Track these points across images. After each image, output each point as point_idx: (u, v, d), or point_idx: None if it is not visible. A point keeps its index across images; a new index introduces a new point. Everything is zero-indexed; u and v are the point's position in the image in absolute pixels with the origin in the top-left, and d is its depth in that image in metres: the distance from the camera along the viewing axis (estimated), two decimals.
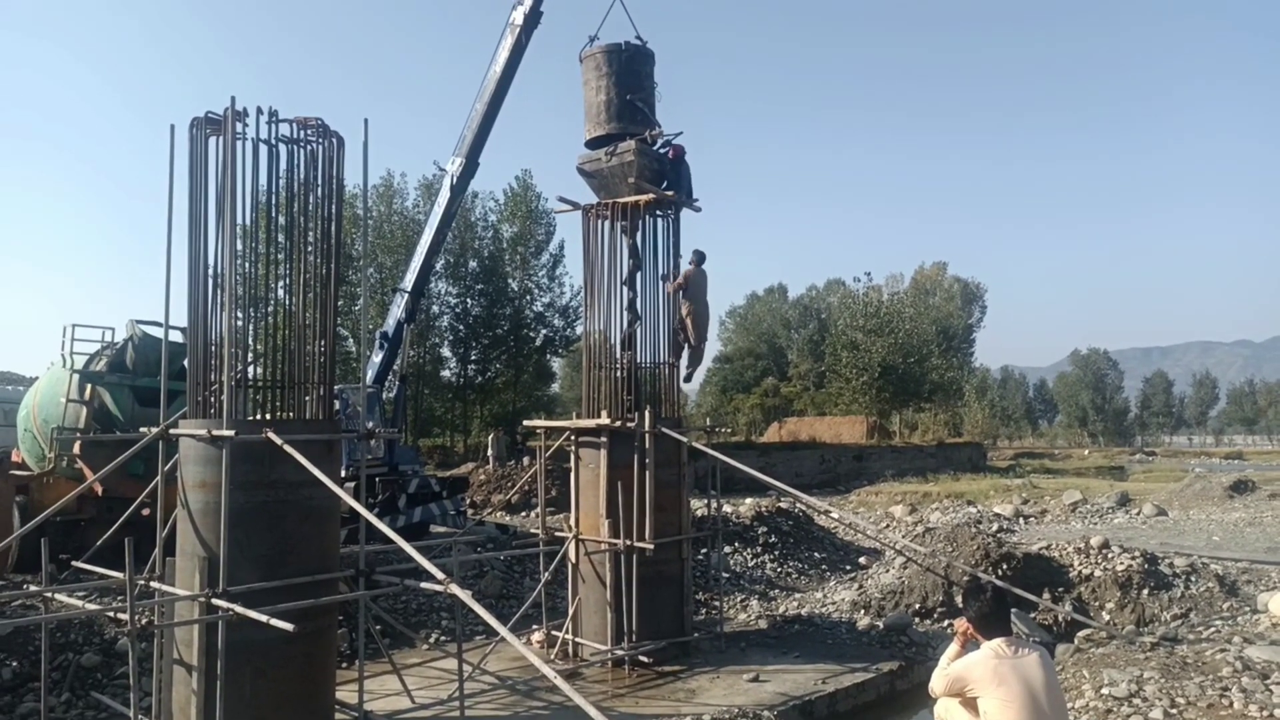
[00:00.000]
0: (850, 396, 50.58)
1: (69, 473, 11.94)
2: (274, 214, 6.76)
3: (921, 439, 47.00)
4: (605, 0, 11.01)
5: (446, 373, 43.21)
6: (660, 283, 9.90)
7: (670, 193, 9.90)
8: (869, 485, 31.47)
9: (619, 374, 9.65)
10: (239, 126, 6.44)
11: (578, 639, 9.30)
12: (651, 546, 8.82)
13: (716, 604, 10.75)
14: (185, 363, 7.13)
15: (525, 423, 18.06)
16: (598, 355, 9.71)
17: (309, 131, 6.75)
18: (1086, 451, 62.86)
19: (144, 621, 5.92)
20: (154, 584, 6.60)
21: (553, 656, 9.22)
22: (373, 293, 33.19)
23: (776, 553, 15.09)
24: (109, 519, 9.41)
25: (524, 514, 21.65)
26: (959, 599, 10.14)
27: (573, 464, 9.67)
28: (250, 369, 6.85)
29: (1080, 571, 11.10)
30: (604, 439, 9.23)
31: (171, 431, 6.60)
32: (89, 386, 12.33)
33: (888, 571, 12.40)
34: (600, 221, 9.73)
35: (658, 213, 9.87)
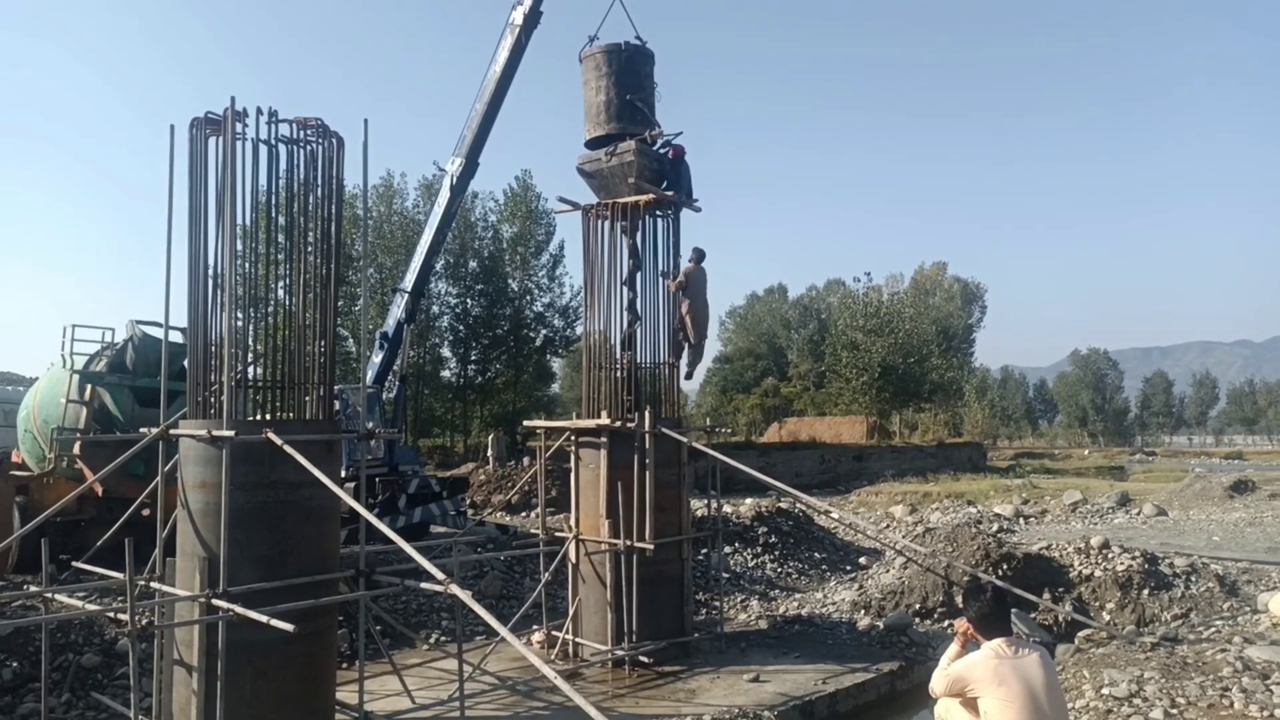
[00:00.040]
0: (850, 396, 50.59)
1: (69, 473, 11.94)
2: (274, 214, 6.76)
3: (921, 439, 47.01)
4: (605, 0, 11.02)
5: (446, 373, 43.24)
6: (660, 283, 9.90)
7: (670, 193, 9.91)
8: (869, 485, 31.46)
9: (619, 374, 9.65)
10: (239, 127, 6.43)
11: (578, 639, 9.30)
12: (652, 547, 8.82)
13: (717, 604, 10.75)
14: (185, 363, 7.13)
15: (525, 423, 18.06)
16: (598, 355, 9.71)
17: (309, 132, 6.75)
18: (1086, 451, 62.84)
19: (144, 622, 5.92)
20: (154, 584, 6.60)
21: (553, 657, 9.22)
22: (373, 293, 33.20)
23: (777, 553, 15.09)
24: (109, 519, 9.42)
25: (524, 514, 21.65)
26: (959, 599, 10.14)
27: (573, 464, 9.67)
28: (250, 369, 6.85)
29: (1080, 571, 11.10)
30: (604, 439, 9.23)
31: (171, 432, 6.60)
32: (89, 387, 12.33)
33: (888, 572, 12.40)
34: (600, 222, 9.73)
35: (658, 213, 9.87)
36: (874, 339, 49.23)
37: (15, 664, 7.97)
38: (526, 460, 27.42)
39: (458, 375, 43.37)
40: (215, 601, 5.92)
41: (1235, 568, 12.24)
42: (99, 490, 10.76)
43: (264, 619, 5.53)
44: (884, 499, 26.99)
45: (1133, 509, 21.78)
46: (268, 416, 6.65)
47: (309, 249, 6.82)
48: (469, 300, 42.17)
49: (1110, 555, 11.29)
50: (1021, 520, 20.91)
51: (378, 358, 17.48)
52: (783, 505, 17.12)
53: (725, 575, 12.77)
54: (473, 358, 42.95)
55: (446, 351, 42.99)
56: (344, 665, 8.10)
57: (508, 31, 15.01)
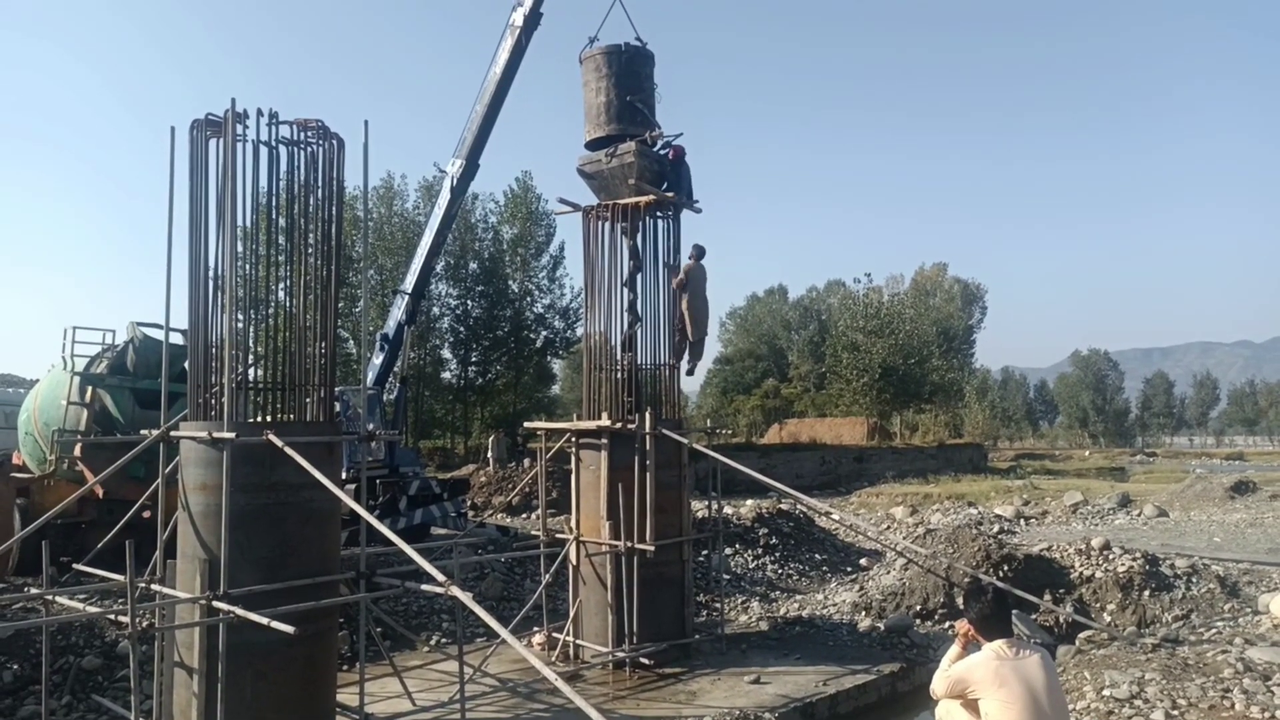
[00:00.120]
0: (851, 398, 50.61)
1: (70, 475, 11.94)
2: (274, 216, 6.77)
3: (922, 440, 47.00)
4: (605, 1, 11.02)
5: (447, 374, 43.25)
6: (661, 282, 9.89)
7: (670, 194, 9.91)
8: (869, 487, 31.45)
9: (619, 375, 9.64)
10: (239, 128, 6.43)
11: (578, 641, 9.29)
12: (652, 548, 8.82)
13: (717, 606, 10.75)
14: (186, 365, 7.13)
15: (526, 424, 18.08)
16: (598, 357, 9.71)
17: (309, 133, 6.76)
18: (1087, 452, 62.83)
19: (145, 624, 5.91)
20: (155, 586, 6.59)
21: (553, 659, 9.21)
22: (373, 294, 33.21)
23: (777, 554, 15.08)
24: (110, 521, 9.41)
25: (525, 516, 21.64)
26: (960, 600, 10.13)
27: (573, 466, 9.67)
28: (251, 371, 6.85)
29: (1081, 573, 11.09)
30: (604, 441, 9.22)
31: (172, 434, 6.60)
32: (90, 389, 12.33)
33: (889, 573, 12.39)
34: (600, 223, 9.73)
35: (658, 214, 9.88)
36: (874, 340, 49.26)
37: (16, 666, 7.97)
38: (527, 462, 27.41)
39: (458, 377, 43.38)
40: (216, 604, 5.92)
41: (1236, 569, 12.23)
42: (99, 492, 10.76)
43: (264, 621, 5.52)
44: (884, 500, 26.98)
45: (1133, 510, 21.77)
46: (268, 418, 6.64)
47: (309, 250, 6.82)
48: (469, 302, 42.19)
49: (1111, 556, 11.29)
50: (1022, 521, 20.89)
51: (378, 359, 17.48)
52: (783, 507, 17.11)
53: (726, 577, 12.77)
54: (473, 359, 42.97)
55: (447, 353, 43.05)
56: (344, 667, 8.10)
57: (508, 33, 15.02)
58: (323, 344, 6.80)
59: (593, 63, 10.11)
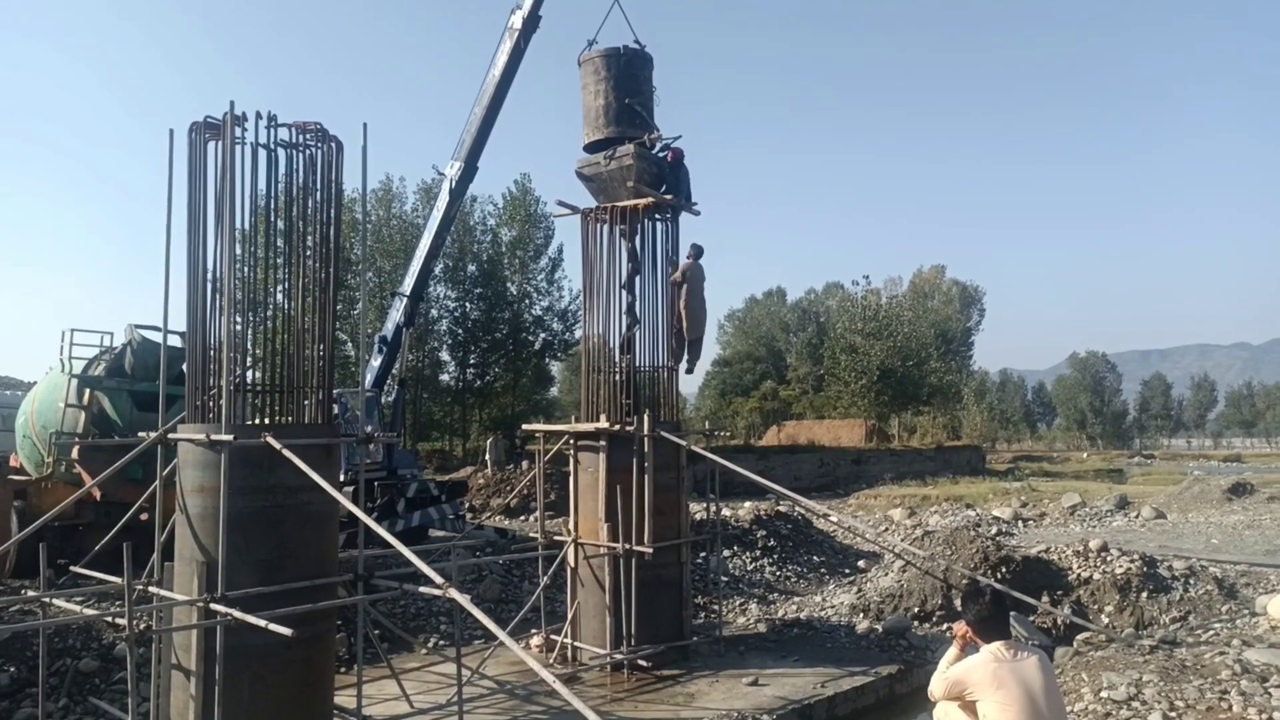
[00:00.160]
0: (849, 400, 50.65)
1: (67, 478, 11.93)
2: (273, 218, 6.77)
3: (920, 442, 47.08)
4: (603, 4, 11.02)
5: (445, 376, 43.24)
6: (660, 285, 9.89)
7: (669, 196, 9.92)
8: (868, 488, 31.46)
9: (618, 377, 9.65)
10: (238, 131, 6.44)
11: (576, 643, 9.29)
12: (650, 550, 8.81)
13: (715, 608, 10.75)
14: (184, 367, 7.13)
15: (524, 426, 18.06)
16: (596, 359, 9.71)
17: (308, 136, 6.76)
18: (1085, 454, 62.89)
19: (142, 626, 5.92)
20: (152, 589, 6.59)
21: (551, 661, 9.21)
22: (371, 297, 33.20)
23: (775, 556, 15.08)
24: (107, 524, 9.40)
25: (523, 518, 21.64)
26: (958, 602, 10.12)
27: (571, 468, 9.67)
28: (249, 373, 6.85)
29: (1079, 574, 11.10)
30: (603, 443, 9.23)
31: (170, 436, 6.60)
32: (87, 391, 12.32)
33: (887, 575, 12.39)
34: (599, 225, 9.74)
35: (656, 216, 9.89)
36: (872, 342, 49.30)
37: (13, 669, 7.96)
38: (525, 464, 27.41)
39: (456, 379, 43.38)
40: (213, 606, 5.91)
41: (1234, 570, 12.24)
42: (97, 495, 10.75)
43: (262, 623, 5.52)
44: (883, 502, 27.00)
45: (1131, 512, 21.80)
46: (266, 421, 6.65)
47: (308, 253, 6.83)
48: (468, 304, 42.20)
49: (1109, 558, 11.30)
50: (1020, 523, 20.91)
51: (376, 361, 17.48)
52: (781, 509, 17.11)
53: (724, 579, 12.77)
54: (471, 361, 42.97)
55: (445, 355, 43.05)
56: (342, 669, 8.10)
57: (506, 36, 15.02)
58: (321, 346, 6.80)
59: (591, 65, 10.12)
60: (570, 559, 9.39)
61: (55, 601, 6.81)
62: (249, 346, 6.89)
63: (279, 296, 6.98)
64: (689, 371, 10.59)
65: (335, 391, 10.96)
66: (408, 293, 17.25)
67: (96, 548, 7.94)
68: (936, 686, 4.46)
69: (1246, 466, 44.54)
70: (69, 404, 12.26)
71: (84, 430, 12.11)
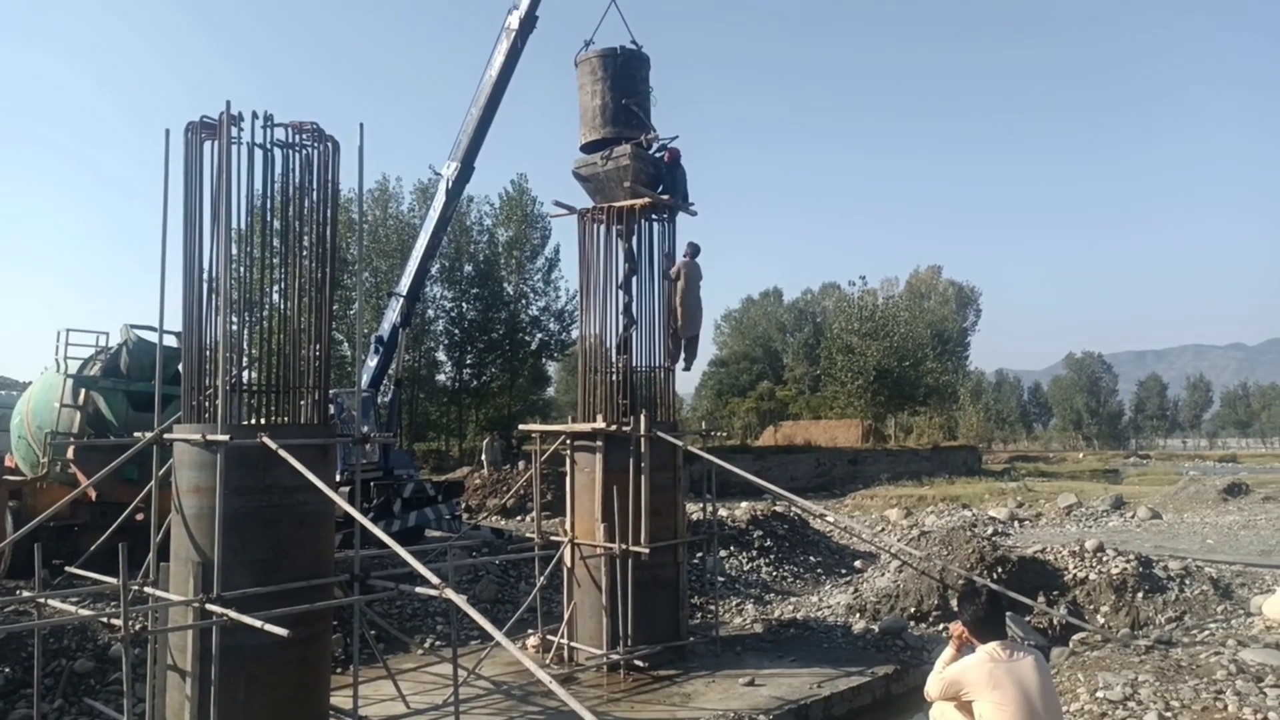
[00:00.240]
0: (845, 400, 50.67)
1: (63, 478, 11.91)
2: (269, 218, 6.76)
3: (916, 442, 47.13)
4: (601, 4, 11.03)
5: (442, 377, 43.22)
6: (656, 285, 9.90)
7: (666, 197, 9.93)
8: (864, 489, 31.50)
9: (614, 378, 9.65)
10: (234, 131, 6.43)
11: (573, 643, 9.29)
12: (647, 550, 8.81)
13: (712, 608, 10.75)
14: (180, 367, 7.12)
15: (521, 427, 18.06)
16: (593, 359, 9.72)
17: (304, 136, 6.75)
18: (1081, 455, 63.04)
19: (137, 627, 5.91)
20: (148, 589, 6.57)
21: (548, 661, 9.20)
22: (368, 297, 33.17)
23: (772, 556, 15.08)
24: (103, 524, 9.38)
25: (519, 518, 21.63)
26: (954, 603, 10.13)
27: (568, 468, 9.67)
28: (245, 373, 6.84)
29: (1075, 575, 11.11)
30: (599, 443, 9.23)
31: (166, 436, 6.59)
32: (83, 391, 12.30)
33: (883, 575, 12.40)
34: (596, 225, 9.74)
35: (653, 216, 9.89)
36: (869, 342, 49.34)
37: (8, 669, 7.93)
38: (522, 464, 27.41)
39: (453, 379, 43.35)
40: (209, 606, 5.90)
41: (1229, 571, 12.27)
42: (93, 495, 10.73)
43: (258, 624, 5.51)
44: (879, 502, 27.03)
45: (1127, 512, 21.84)
46: (262, 421, 6.63)
47: (304, 253, 6.82)
48: (464, 304, 42.17)
49: (1105, 558, 11.31)
50: (1016, 523, 20.95)
51: (373, 362, 17.47)
52: (778, 509, 17.11)
53: (720, 579, 12.77)
54: (468, 362, 42.93)
55: (442, 355, 43.03)
56: (338, 670, 8.09)
57: (503, 36, 15.02)
58: (317, 346, 6.80)
59: (588, 66, 10.12)
60: (567, 559, 9.39)
61: (50, 602, 6.80)
62: (245, 346, 6.87)
63: (275, 296, 6.96)
64: (686, 369, 10.61)
65: (331, 392, 10.95)
66: (404, 293, 17.25)
67: (92, 548, 7.93)
68: (933, 687, 4.46)
69: (1242, 467, 44.68)
70: (64, 404, 12.23)
71: (79, 430, 12.10)
